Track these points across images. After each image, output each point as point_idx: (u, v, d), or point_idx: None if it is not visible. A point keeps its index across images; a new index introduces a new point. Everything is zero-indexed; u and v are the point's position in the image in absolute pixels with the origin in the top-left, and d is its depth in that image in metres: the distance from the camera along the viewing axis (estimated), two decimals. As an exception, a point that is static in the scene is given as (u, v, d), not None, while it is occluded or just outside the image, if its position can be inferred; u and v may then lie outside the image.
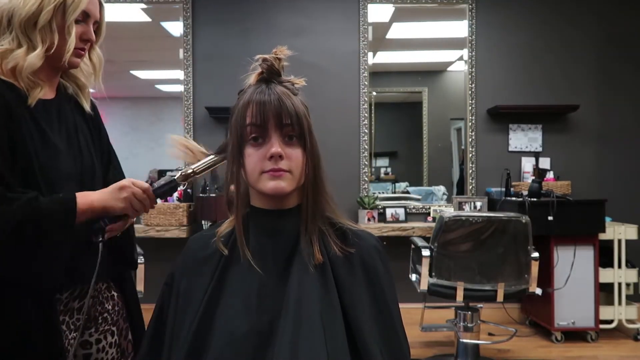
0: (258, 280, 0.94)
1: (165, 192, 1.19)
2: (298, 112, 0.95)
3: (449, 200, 4.15)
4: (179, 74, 4.05)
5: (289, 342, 0.87)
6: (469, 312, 2.98)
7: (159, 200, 1.24)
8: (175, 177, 1.14)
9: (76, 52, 1.22)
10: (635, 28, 4.07)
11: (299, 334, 0.88)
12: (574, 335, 3.52)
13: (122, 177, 1.37)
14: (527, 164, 4.03)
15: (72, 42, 1.18)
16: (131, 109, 4.42)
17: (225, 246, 0.98)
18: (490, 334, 3.53)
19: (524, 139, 4.06)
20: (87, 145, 1.29)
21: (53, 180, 1.16)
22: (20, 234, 1.06)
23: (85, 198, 1.13)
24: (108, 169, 1.38)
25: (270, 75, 0.98)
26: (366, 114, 4.03)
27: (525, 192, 3.54)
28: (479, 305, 3.07)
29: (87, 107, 1.33)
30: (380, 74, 4.23)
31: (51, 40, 1.17)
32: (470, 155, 4.06)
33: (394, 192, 4.28)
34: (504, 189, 3.80)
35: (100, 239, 1.14)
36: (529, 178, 3.89)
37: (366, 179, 4.04)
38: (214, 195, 3.72)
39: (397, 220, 3.90)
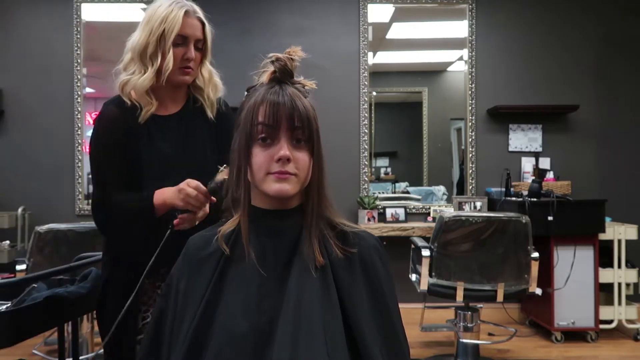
0: (258, 279, 0.94)
1: (215, 190, 1.34)
2: (309, 115, 0.95)
3: (449, 200, 4.15)
4: (179, 74, 4.04)
5: (288, 341, 0.87)
6: (469, 312, 2.98)
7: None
8: (220, 180, 1.32)
9: (181, 70, 1.46)
10: (635, 28, 4.07)
11: (299, 333, 0.88)
12: (574, 335, 3.52)
13: None
14: (527, 164, 4.03)
15: (168, 62, 1.42)
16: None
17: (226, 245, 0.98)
18: (490, 334, 3.54)
19: (524, 139, 4.06)
20: (202, 148, 1.51)
21: (158, 176, 1.43)
22: (114, 225, 1.44)
23: (161, 195, 1.38)
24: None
25: (283, 75, 0.97)
26: (366, 114, 4.03)
27: (525, 192, 3.54)
28: (479, 305, 3.08)
29: (209, 114, 1.54)
30: (380, 74, 4.23)
31: (157, 63, 1.42)
32: (470, 155, 4.06)
33: (394, 192, 4.28)
34: (504, 189, 3.80)
35: (170, 227, 1.33)
36: (529, 178, 3.89)
37: (366, 179, 4.04)
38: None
39: (397, 220, 3.90)
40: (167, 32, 1.41)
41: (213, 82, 1.54)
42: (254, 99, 0.96)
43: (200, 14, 1.50)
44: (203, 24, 1.49)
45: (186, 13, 1.45)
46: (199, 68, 1.51)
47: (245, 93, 1.01)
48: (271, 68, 0.98)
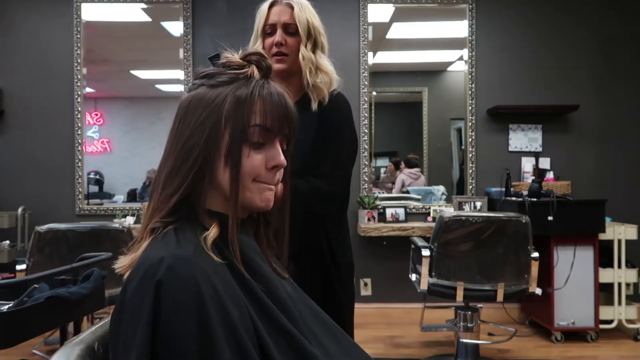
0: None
1: None
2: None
3: (448, 200, 4.15)
4: (179, 74, 4.05)
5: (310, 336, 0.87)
6: (469, 312, 2.98)
7: None
8: None
9: (274, 58, 1.46)
10: (635, 28, 4.08)
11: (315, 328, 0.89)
12: (574, 335, 3.52)
13: (330, 167, 1.53)
14: (527, 164, 4.03)
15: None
16: (131, 108, 4.42)
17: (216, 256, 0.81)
18: (490, 334, 3.54)
19: (524, 139, 4.06)
20: (303, 144, 1.43)
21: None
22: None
23: None
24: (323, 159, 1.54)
25: (267, 75, 0.90)
26: (366, 114, 4.03)
27: (525, 192, 3.54)
28: (479, 305, 3.08)
29: (313, 106, 1.51)
30: (380, 74, 4.23)
31: None
32: (470, 155, 4.06)
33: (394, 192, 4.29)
34: (504, 189, 3.80)
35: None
36: (529, 178, 3.89)
37: (366, 179, 4.04)
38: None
39: (397, 220, 3.90)
40: (258, 26, 1.50)
41: (318, 66, 1.52)
42: (256, 94, 0.84)
43: (293, 0, 1.50)
44: (292, 7, 1.49)
45: (273, 3, 1.49)
46: (297, 53, 1.49)
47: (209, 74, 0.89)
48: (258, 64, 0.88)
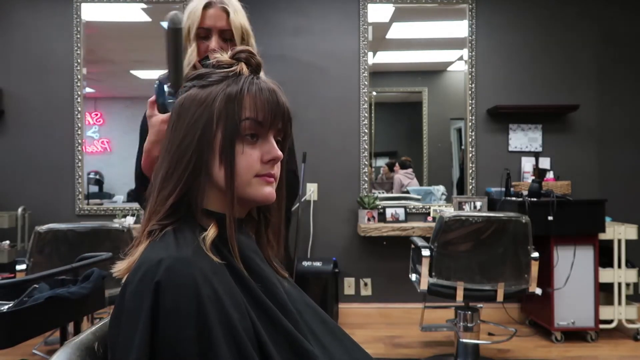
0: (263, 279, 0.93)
1: (161, 97, 1.19)
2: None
3: (448, 199, 4.15)
4: (179, 74, 4.04)
5: (310, 336, 0.87)
6: (469, 312, 2.98)
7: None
8: (160, 83, 1.19)
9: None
10: (634, 28, 4.08)
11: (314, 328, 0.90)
12: (574, 335, 3.52)
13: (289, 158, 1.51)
14: (527, 164, 4.03)
15: (190, 55, 1.40)
16: (131, 109, 4.41)
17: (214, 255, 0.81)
18: (490, 334, 3.54)
19: (524, 139, 4.06)
20: None
21: None
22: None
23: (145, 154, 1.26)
24: None
25: (257, 69, 0.90)
26: (366, 114, 4.03)
27: (525, 192, 3.54)
28: (479, 305, 3.08)
29: None
30: (380, 74, 4.23)
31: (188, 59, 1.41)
32: (470, 155, 4.06)
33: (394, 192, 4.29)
34: (504, 189, 3.80)
35: None
36: (529, 178, 3.89)
37: (366, 178, 4.04)
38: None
39: (397, 220, 3.90)
40: (190, 27, 1.42)
41: None
42: (251, 89, 0.85)
43: (227, 4, 1.45)
44: (228, 14, 1.44)
45: (208, 5, 1.42)
46: None
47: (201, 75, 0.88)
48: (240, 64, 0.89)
